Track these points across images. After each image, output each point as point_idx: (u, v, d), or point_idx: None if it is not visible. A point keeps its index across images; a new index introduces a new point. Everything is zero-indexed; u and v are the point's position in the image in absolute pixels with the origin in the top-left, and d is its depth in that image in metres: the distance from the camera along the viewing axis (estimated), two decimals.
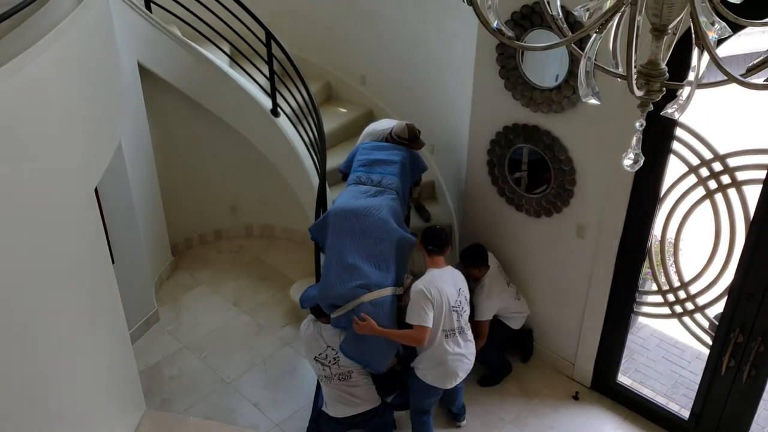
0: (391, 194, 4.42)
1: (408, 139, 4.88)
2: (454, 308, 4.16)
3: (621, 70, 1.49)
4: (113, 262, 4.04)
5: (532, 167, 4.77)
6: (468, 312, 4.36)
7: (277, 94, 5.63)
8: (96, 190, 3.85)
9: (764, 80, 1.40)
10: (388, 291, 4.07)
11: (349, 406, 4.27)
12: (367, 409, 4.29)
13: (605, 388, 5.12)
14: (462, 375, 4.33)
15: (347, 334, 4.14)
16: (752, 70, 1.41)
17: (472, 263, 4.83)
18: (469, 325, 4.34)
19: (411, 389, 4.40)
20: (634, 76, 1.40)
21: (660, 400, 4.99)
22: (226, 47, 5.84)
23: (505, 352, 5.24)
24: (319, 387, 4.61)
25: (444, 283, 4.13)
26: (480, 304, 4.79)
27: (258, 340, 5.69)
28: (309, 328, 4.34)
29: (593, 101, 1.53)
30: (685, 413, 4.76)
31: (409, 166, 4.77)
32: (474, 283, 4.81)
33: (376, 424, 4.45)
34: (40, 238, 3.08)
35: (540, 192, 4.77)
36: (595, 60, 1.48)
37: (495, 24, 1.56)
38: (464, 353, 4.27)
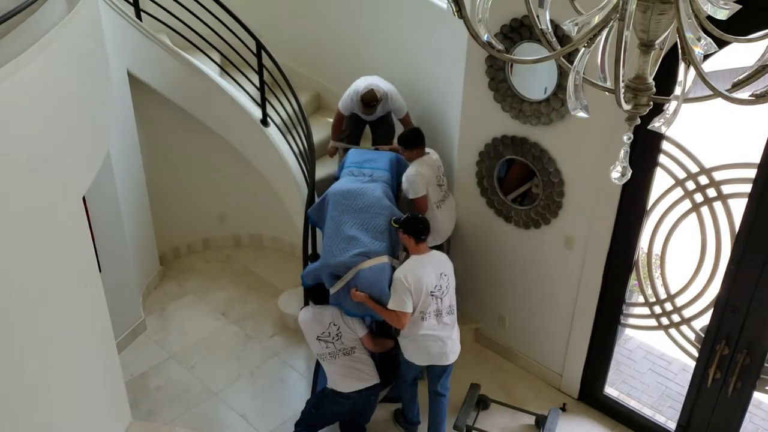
0: (383, 184, 4.73)
1: (366, 103, 5.19)
2: (432, 293, 4.31)
3: (609, 84, 1.51)
4: (100, 271, 4.01)
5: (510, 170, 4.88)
6: (450, 295, 4.46)
7: (267, 104, 5.63)
8: (84, 199, 3.83)
9: (749, 95, 1.42)
10: (385, 259, 4.36)
11: (360, 380, 4.42)
12: (374, 384, 4.45)
13: (592, 399, 5.13)
14: (435, 356, 4.43)
15: (348, 302, 4.40)
16: (737, 86, 1.43)
17: (408, 146, 4.92)
18: (451, 308, 4.45)
19: (399, 358, 4.60)
20: (622, 90, 1.41)
21: (647, 411, 5.01)
22: (217, 56, 5.84)
23: None
24: (316, 373, 4.79)
25: (423, 270, 4.29)
26: None
27: (246, 350, 5.66)
28: (308, 312, 4.52)
29: (582, 114, 1.54)
30: (672, 425, 4.78)
31: (396, 165, 5.05)
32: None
33: (369, 407, 4.59)
34: (27, 247, 3.06)
35: (528, 204, 4.80)
36: (583, 74, 1.50)
37: (485, 37, 1.57)
38: (439, 335, 4.39)
